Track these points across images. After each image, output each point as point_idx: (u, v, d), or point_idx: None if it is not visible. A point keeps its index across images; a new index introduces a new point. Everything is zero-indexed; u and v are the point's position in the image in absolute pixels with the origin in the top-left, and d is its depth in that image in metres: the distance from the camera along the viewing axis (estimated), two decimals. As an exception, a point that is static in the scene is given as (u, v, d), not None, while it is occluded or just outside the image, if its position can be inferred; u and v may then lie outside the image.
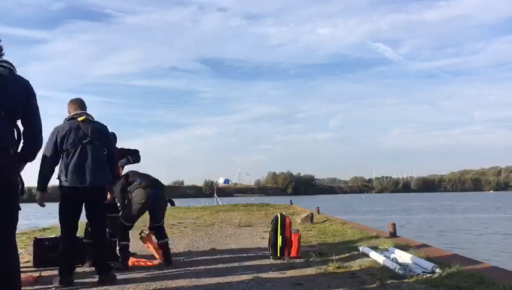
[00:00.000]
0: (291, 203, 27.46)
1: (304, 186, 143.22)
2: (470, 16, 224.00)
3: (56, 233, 7.86)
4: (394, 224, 8.67)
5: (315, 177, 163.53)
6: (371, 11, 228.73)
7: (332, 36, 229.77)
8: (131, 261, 5.78)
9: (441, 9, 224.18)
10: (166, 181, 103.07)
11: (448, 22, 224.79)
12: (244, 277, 4.88)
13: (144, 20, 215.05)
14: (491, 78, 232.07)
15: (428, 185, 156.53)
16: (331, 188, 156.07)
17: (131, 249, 6.87)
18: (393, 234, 8.40)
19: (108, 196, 5.30)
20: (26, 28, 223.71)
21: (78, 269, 5.27)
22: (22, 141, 3.29)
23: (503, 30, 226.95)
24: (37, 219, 21.60)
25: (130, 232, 5.78)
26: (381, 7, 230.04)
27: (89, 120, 4.81)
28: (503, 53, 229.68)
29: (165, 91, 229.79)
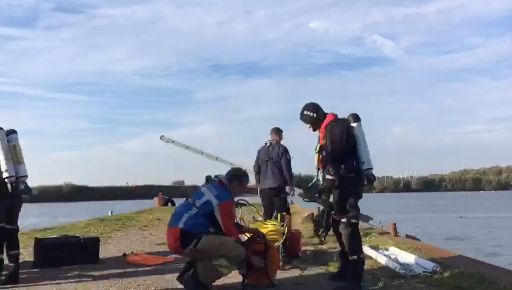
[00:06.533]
0: (292, 203, 27.43)
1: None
2: (471, 9, 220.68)
3: (57, 233, 7.85)
4: (395, 224, 8.67)
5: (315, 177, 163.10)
6: (369, 6, 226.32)
7: (331, 33, 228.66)
8: (138, 258, 5.81)
9: (440, 2, 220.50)
10: (166, 181, 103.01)
11: (449, 15, 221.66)
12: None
13: (138, 16, 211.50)
14: (494, 75, 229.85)
15: (429, 185, 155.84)
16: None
17: (131, 249, 6.88)
18: (394, 234, 8.40)
19: None
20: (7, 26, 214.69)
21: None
22: None
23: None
24: (38, 219, 21.62)
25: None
26: (379, 1, 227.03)
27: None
28: (505, 49, 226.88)
29: (162, 90, 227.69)
